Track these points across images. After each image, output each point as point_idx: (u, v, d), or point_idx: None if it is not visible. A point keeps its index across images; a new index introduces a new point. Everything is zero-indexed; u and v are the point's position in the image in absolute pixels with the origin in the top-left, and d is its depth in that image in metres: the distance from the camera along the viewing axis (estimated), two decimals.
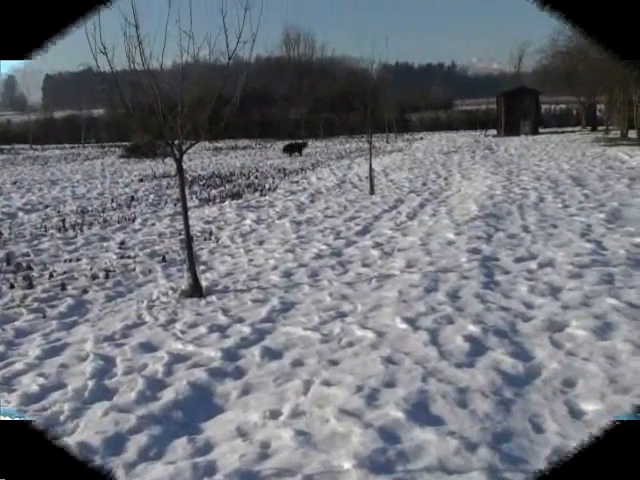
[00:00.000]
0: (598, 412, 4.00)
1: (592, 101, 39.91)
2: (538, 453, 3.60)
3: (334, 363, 4.99)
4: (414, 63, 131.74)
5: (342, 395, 4.35)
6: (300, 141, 30.99)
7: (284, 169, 22.22)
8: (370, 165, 15.53)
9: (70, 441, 3.94)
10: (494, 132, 39.47)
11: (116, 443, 3.92)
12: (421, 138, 40.04)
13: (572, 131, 39.06)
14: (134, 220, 12.47)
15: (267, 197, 15.17)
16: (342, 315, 6.14)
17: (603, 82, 30.30)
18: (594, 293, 6.34)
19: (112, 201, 15.48)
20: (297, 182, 18.31)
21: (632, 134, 28.32)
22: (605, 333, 5.28)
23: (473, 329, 5.49)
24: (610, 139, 29.61)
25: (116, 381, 4.88)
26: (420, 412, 4.08)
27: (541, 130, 38.96)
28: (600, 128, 37.60)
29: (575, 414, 4.01)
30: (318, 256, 8.66)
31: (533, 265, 7.56)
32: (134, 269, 8.48)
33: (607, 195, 12.59)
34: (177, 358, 5.26)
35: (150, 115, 7.25)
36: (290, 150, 29.31)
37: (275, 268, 8.13)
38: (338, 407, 4.16)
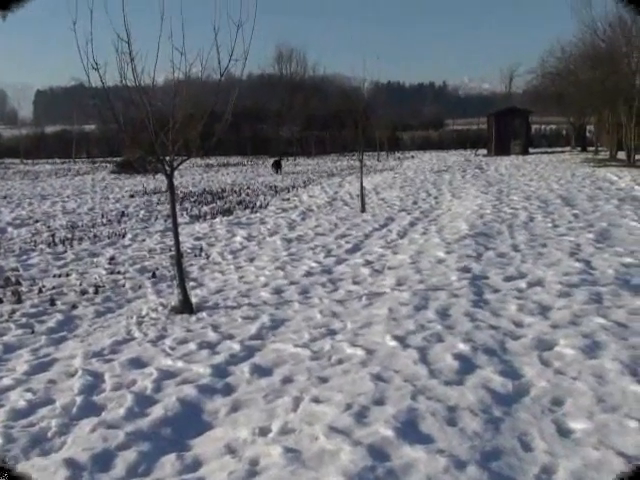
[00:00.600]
0: (586, 431, 4.01)
1: (582, 122, 40.28)
2: (527, 471, 3.61)
3: (324, 380, 4.98)
4: (406, 82, 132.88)
5: (331, 412, 4.35)
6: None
7: (275, 186, 22.27)
8: (361, 183, 15.59)
9: (57, 457, 3.92)
10: (485, 151, 39.72)
11: (104, 460, 3.90)
12: (412, 157, 40.27)
13: (562, 151, 39.40)
14: (124, 236, 12.45)
15: (258, 214, 15.19)
16: (332, 332, 6.14)
17: (592, 103, 30.59)
18: (583, 312, 6.38)
19: (102, 216, 15.44)
20: (288, 199, 18.36)
21: (621, 155, 28.58)
22: (593, 352, 5.31)
23: (463, 347, 5.50)
24: (599, 160, 29.88)
25: (104, 397, 4.85)
26: (409, 430, 4.08)
27: (531, 150, 39.24)
28: (589, 149, 37.94)
29: (563, 432, 4.02)
30: (309, 273, 8.67)
31: (522, 284, 7.60)
32: (124, 285, 8.46)
33: (596, 215, 12.69)
34: (166, 374, 5.24)
35: (141, 131, 7.27)
36: (276, 166, 30.09)
37: (265, 285, 8.13)
38: (327, 424, 4.16)
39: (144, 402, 4.71)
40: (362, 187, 15.44)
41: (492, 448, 3.85)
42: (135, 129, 7.87)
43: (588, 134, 41.85)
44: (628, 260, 8.54)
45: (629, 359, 5.09)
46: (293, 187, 22.00)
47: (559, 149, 41.85)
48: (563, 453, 3.77)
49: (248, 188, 21.94)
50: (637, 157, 26.73)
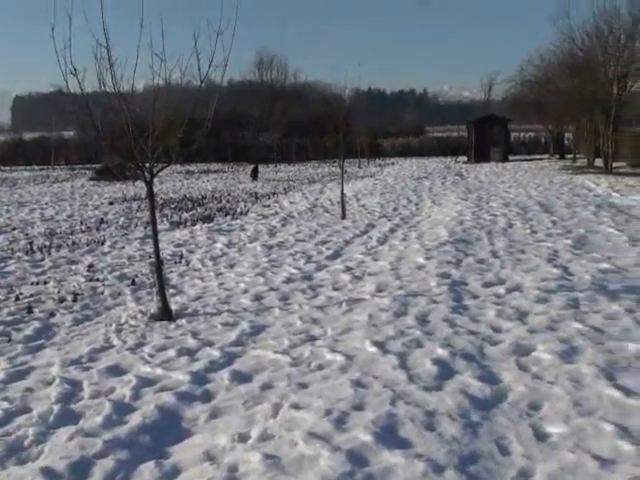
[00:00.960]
0: (563, 434, 4.06)
1: (560, 129, 40.66)
2: (504, 475, 3.64)
3: (303, 386, 4.99)
4: (386, 89, 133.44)
5: (311, 418, 4.35)
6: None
7: (256, 193, 22.25)
8: (342, 190, 15.63)
9: (34, 466, 3.88)
10: (465, 159, 40.00)
11: (82, 468, 3.87)
12: (393, 163, 40.44)
13: (540, 159, 39.77)
14: (103, 243, 12.37)
15: (238, 221, 15.17)
16: (312, 339, 6.15)
17: (571, 111, 30.92)
18: (560, 317, 6.45)
19: (81, 224, 15.33)
20: (269, 206, 18.35)
21: (598, 162, 28.92)
22: (570, 357, 5.37)
23: (442, 353, 5.54)
24: (577, 167, 30.21)
25: (82, 405, 4.82)
26: (388, 435, 4.10)
27: (510, 157, 39.55)
28: (568, 156, 38.31)
29: (540, 436, 4.06)
30: (289, 280, 8.67)
31: (501, 290, 7.67)
32: (103, 292, 8.41)
33: (574, 222, 12.83)
34: (145, 382, 5.21)
35: (121, 137, 7.24)
36: (253, 173, 29.79)
37: (246, 292, 8.12)
38: (307, 430, 4.16)
39: (122, 410, 4.68)
40: (343, 194, 15.49)
41: (470, 452, 3.88)
42: (114, 135, 7.84)
43: (566, 142, 42.29)
44: (605, 266, 8.64)
45: (605, 363, 5.15)
46: (274, 194, 22.00)
47: (538, 156, 42.24)
48: (540, 457, 3.81)
49: (229, 195, 21.91)
50: (614, 164, 27.09)
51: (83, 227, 14.71)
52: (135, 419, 4.51)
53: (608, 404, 4.44)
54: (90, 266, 10.10)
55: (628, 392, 4.59)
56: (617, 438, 3.95)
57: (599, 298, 7.11)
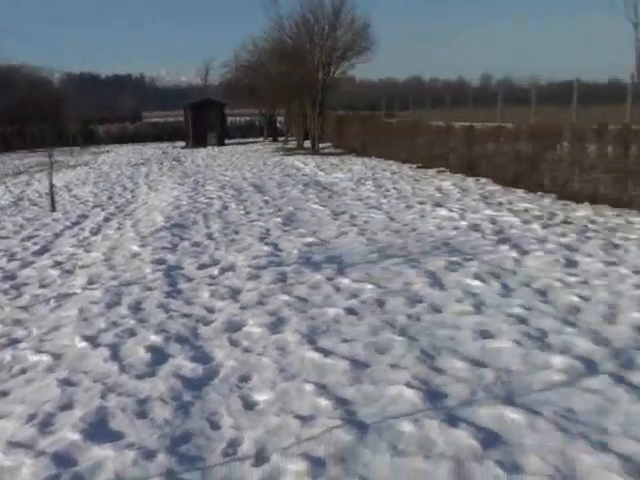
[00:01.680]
0: (269, 401, 4.30)
1: (272, 113, 42.58)
2: (214, 449, 3.75)
3: (4, 394, 4.61)
4: (101, 73, 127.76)
5: (12, 427, 4.05)
6: None
7: None
8: (50, 180, 14.61)
9: None
10: (183, 144, 39.97)
11: None
12: (108, 151, 38.83)
13: (255, 142, 41.27)
14: None
15: None
16: (14, 342, 5.69)
17: (281, 96, 32.56)
18: (269, 292, 6.80)
19: None
20: None
21: (307, 144, 30.94)
22: (277, 327, 5.71)
23: (155, 339, 5.51)
24: (288, 149, 31.99)
25: None
26: (99, 430, 3.98)
27: (227, 141, 40.41)
28: (280, 139, 40.34)
29: (249, 406, 4.26)
30: None
31: (215, 271, 7.84)
32: None
33: (284, 200, 13.58)
34: None
35: None
36: None
37: None
38: (6, 440, 3.87)
39: None
40: (51, 185, 14.50)
41: (182, 433, 3.93)
42: None
43: (279, 125, 44.40)
44: (310, 240, 9.30)
45: (308, 329, 5.57)
46: None
47: (252, 140, 43.71)
48: (248, 425, 4.00)
49: None
50: (321, 145, 29.23)
51: None
52: None
53: (309, 366, 4.82)
54: None
55: (327, 353, 5.02)
56: (316, 396, 4.30)
57: (304, 270, 7.64)
